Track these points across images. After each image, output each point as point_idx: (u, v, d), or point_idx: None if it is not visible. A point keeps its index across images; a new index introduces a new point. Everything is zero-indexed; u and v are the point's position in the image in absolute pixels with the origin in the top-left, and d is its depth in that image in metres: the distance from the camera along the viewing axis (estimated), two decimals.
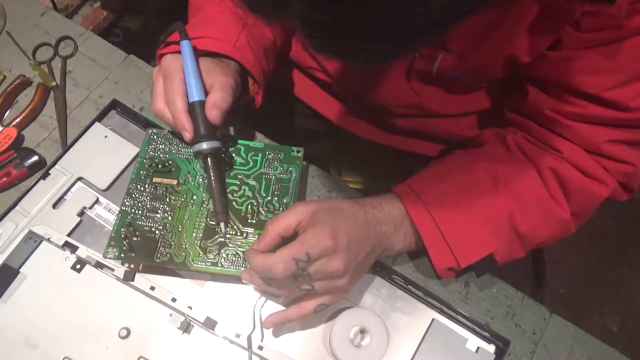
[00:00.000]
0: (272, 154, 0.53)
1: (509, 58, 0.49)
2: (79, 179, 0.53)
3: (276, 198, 0.50)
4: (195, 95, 0.46)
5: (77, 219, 0.51)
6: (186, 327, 0.48)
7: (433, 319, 0.50)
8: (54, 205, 0.52)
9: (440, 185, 0.50)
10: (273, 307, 0.49)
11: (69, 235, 0.50)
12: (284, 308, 0.49)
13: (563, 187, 0.49)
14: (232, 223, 0.49)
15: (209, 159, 0.47)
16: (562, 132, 0.50)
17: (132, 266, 0.49)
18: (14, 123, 0.57)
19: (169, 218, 0.49)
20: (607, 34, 0.43)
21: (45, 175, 0.53)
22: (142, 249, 0.47)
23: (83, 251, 0.49)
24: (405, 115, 0.63)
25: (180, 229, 0.48)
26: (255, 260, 0.43)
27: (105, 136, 0.55)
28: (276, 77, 0.73)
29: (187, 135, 0.46)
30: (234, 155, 0.53)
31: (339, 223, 0.43)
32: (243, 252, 0.48)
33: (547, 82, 0.49)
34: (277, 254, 0.42)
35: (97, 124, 0.56)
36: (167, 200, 0.50)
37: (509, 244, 0.49)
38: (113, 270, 0.48)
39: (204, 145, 0.46)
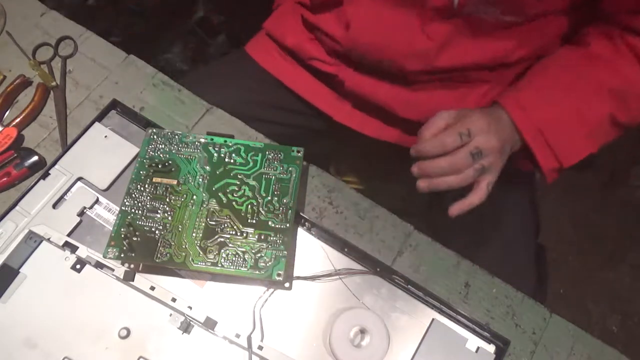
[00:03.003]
0: (272, 154, 0.53)
1: None
2: (79, 179, 0.53)
3: (276, 198, 0.50)
4: None
5: (77, 219, 0.51)
6: (186, 327, 0.48)
7: (433, 319, 0.50)
8: (54, 205, 0.52)
9: (551, 107, 0.53)
10: (273, 307, 0.49)
11: (69, 235, 0.51)
12: (284, 308, 0.49)
13: None
14: (232, 223, 0.49)
15: None
16: None
17: (132, 266, 0.49)
18: (14, 123, 0.57)
19: (169, 218, 0.49)
20: None
21: (45, 175, 0.53)
22: (142, 249, 0.47)
23: (83, 251, 0.49)
24: (418, 80, 0.62)
25: (180, 229, 0.48)
26: (426, 143, 0.50)
27: (105, 136, 0.55)
28: (277, 75, 0.73)
29: None
30: (234, 155, 0.53)
31: (482, 111, 0.52)
32: (243, 252, 0.48)
33: None
34: (441, 133, 0.50)
35: (97, 124, 0.56)
36: (167, 200, 0.50)
37: (608, 136, 0.55)
38: (113, 270, 0.48)
39: None
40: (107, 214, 0.53)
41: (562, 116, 0.53)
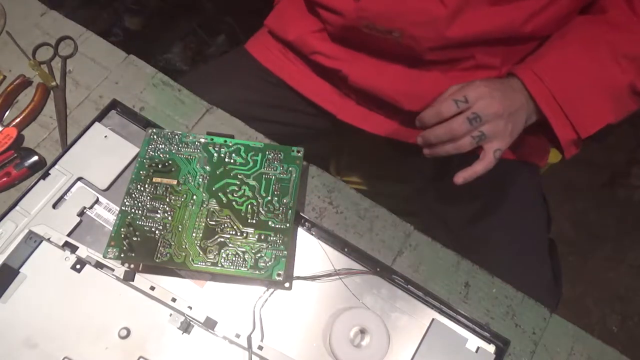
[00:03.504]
0: (272, 154, 0.53)
1: None
2: (79, 179, 0.53)
3: (276, 198, 0.50)
4: None
5: (77, 219, 0.51)
6: (186, 327, 0.48)
7: (433, 319, 0.50)
8: (54, 205, 0.52)
9: (566, 75, 0.53)
10: (273, 307, 0.49)
11: (69, 235, 0.51)
12: (284, 308, 0.49)
13: None
14: (232, 223, 0.49)
15: None
16: None
17: (132, 266, 0.49)
18: (14, 123, 0.57)
19: (169, 218, 0.49)
20: None
21: (45, 175, 0.53)
22: (142, 249, 0.47)
23: (83, 251, 0.49)
24: (425, 61, 0.61)
25: (180, 229, 0.48)
26: (425, 113, 0.51)
27: (105, 136, 0.55)
28: (278, 73, 0.72)
29: None
30: (234, 155, 0.53)
31: (486, 79, 0.52)
32: (243, 252, 0.48)
33: None
34: (438, 102, 0.51)
35: (97, 124, 0.56)
36: (167, 200, 0.50)
37: (627, 107, 0.53)
38: (113, 270, 0.48)
39: None
40: (107, 214, 0.53)
41: (578, 85, 0.53)
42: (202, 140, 0.53)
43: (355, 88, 0.66)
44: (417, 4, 0.55)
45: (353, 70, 0.64)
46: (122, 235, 0.48)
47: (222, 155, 0.52)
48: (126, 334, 0.47)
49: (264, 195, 0.51)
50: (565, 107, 0.52)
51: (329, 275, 0.51)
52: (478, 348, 0.49)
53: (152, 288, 0.48)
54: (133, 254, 0.47)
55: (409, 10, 0.56)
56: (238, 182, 0.51)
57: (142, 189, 0.50)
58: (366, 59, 0.64)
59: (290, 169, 0.52)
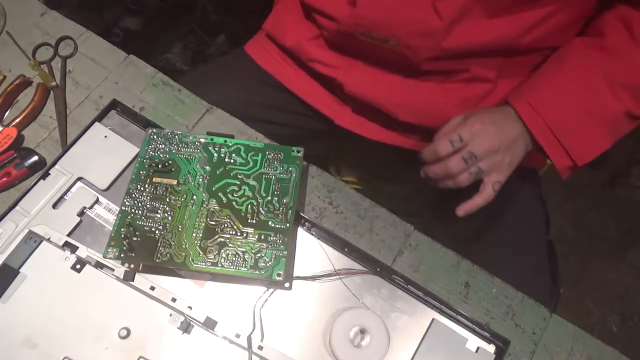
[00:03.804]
0: (272, 154, 0.53)
1: None
2: (79, 179, 0.53)
3: (276, 198, 0.50)
4: None
5: (77, 219, 0.51)
6: (186, 327, 0.48)
7: (433, 319, 0.50)
8: (54, 205, 0.52)
9: (563, 107, 0.53)
10: (273, 307, 0.49)
11: (69, 235, 0.51)
12: (284, 308, 0.49)
13: None
14: (232, 223, 0.49)
15: None
16: None
17: (132, 266, 0.49)
18: (14, 123, 0.57)
19: (169, 218, 0.49)
20: None
21: (45, 175, 0.53)
22: (142, 249, 0.47)
23: (83, 251, 0.49)
24: (421, 72, 0.60)
25: (180, 229, 0.48)
26: (424, 151, 0.53)
27: (105, 136, 0.55)
28: (277, 76, 0.73)
29: None
30: (234, 155, 0.53)
31: (482, 114, 0.53)
32: (243, 252, 0.48)
33: None
34: (435, 140, 0.52)
35: (97, 124, 0.56)
36: (167, 200, 0.50)
37: (624, 130, 0.54)
38: (113, 270, 0.48)
39: None
40: (107, 214, 0.53)
41: (574, 116, 0.53)
42: (202, 140, 0.53)
43: (351, 96, 0.66)
44: (413, 14, 0.55)
45: (349, 78, 0.64)
46: (122, 235, 0.48)
47: (222, 155, 0.52)
48: (126, 334, 0.47)
49: (264, 195, 0.51)
50: (562, 138, 0.53)
51: (329, 275, 0.51)
52: (478, 348, 0.49)
53: (152, 288, 0.48)
54: (133, 254, 0.47)
55: (405, 19, 0.55)
56: (238, 182, 0.51)
57: (142, 189, 0.50)
58: (362, 67, 0.64)
59: (290, 169, 0.52)
